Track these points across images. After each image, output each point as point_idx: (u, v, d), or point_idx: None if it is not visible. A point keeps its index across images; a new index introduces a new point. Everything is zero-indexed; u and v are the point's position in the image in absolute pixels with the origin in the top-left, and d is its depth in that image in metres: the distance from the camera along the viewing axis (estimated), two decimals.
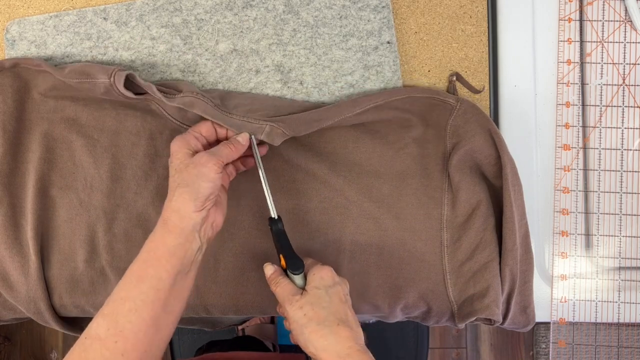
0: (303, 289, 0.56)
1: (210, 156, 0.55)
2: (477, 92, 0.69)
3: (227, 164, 0.61)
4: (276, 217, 0.60)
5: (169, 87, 0.64)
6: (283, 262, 0.58)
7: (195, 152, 0.57)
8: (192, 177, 0.54)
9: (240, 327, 1.19)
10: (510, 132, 0.70)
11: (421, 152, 0.66)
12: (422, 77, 0.69)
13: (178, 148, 0.57)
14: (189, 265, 0.54)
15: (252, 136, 0.61)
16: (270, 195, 0.60)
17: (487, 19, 0.69)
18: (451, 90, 0.68)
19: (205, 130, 0.60)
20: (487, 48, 0.69)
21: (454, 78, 0.68)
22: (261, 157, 0.61)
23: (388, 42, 0.66)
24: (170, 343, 1.11)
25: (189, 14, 0.66)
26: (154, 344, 0.51)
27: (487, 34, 0.69)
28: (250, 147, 0.61)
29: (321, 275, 0.56)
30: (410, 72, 0.69)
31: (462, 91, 0.69)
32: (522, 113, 0.70)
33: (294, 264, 0.57)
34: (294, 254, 0.58)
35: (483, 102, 0.69)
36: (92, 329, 0.50)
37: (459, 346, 1.57)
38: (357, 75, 0.67)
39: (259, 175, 0.60)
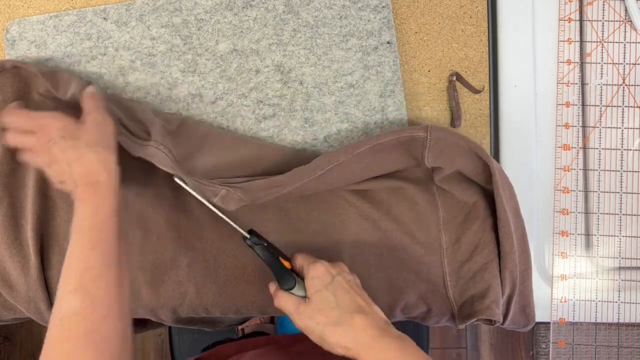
0: (305, 296, 0.56)
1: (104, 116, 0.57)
2: (477, 92, 0.69)
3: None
4: (247, 235, 0.58)
5: (141, 122, 0.63)
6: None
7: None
8: (104, 134, 0.56)
9: (240, 327, 1.19)
10: (510, 132, 0.70)
11: (409, 171, 0.66)
12: (422, 77, 0.69)
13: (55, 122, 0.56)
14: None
15: (178, 178, 0.60)
16: (227, 219, 0.59)
17: (487, 19, 0.69)
18: (451, 90, 0.68)
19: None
20: (487, 48, 0.69)
21: (454, 78, 0.68)
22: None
23: (388, 42, 0.66)
24: (170, 343, 1.11)
25: (189, 14, 0.66)
26: (124, 303, 0.52)
27: (487, 34, 0.69)
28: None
29: (317, 275, 0.55)
30: (410, 72, 0.69)
31: (462, 91, 0.69)
32: (522, 113, 0.70)
33: (283, 281, 0.56)
34: (280, 269, 0.57)
35: (483, 102, 0.69)
36: (63, 308, 0.50)
37: (459, 346, 1.57)
38: (357, 75, 0.67)
39: (207, 205, 0.59)
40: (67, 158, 0.54)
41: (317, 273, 0.55)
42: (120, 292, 0.51)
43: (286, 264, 0.58)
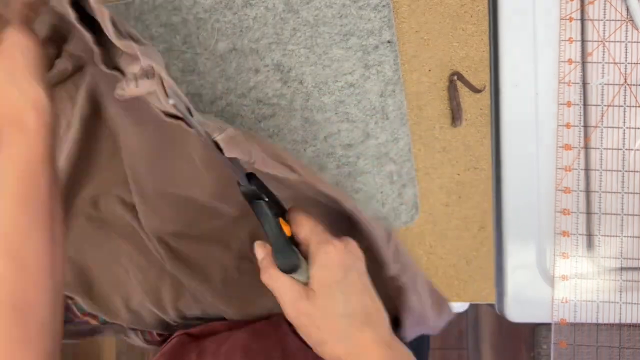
0: (307, 282, 0.44)
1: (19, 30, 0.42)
2: (477, 91, 0.68)
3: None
4: (241, 183, 0.43)
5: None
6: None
7: None
8: (21, 56, 0.42)
9: None
10: (511, 132, 0.69)
11: None
12: (423, 76, 0.69)
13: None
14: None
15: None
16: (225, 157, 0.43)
17: (488, 18, 0.68)
18: (452, 89, 0.68)
19: None
20: (488, 47, 0.69)
21: (455, 77, 0.68)
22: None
23: (388, 41, 0.66)
24: None
25: (188, 13, 0.66)
26: (56, 270, 0.44)
27: (488, 33, 0.69)
28: None
29: (328, 264, 0.43)
30: (410, 72, 0.68)
31: (463, 90, 0.68)
32: (523, 113, 0.69)
33: (283, 260, 0.43)
34: (282, 241, 0.43)
35: (484, 101, 0.69)
36: None
37: (460, 347, 1.57)
38: (358, 74, 0.66)
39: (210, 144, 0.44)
40: None
41: (329, 261, 0.43)
42: (53, 258, 0.43)
43: (286, 229, 0.44)
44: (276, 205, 0.45)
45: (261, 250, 0.46)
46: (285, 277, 0.44)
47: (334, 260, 0.43)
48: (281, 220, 0.44)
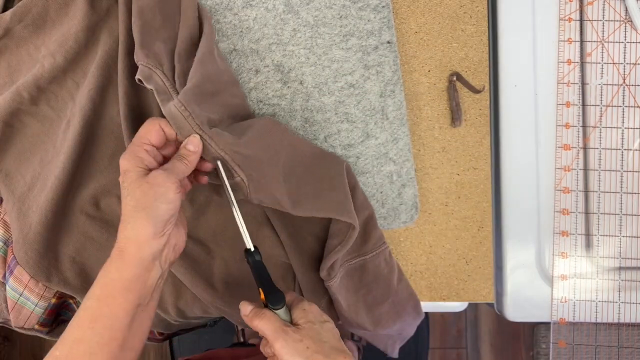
0: (290, 322, 0.53)
1: (167, 175, 0.50)
2: (477, 92, 0.69)
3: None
4: (252, 249, 0.55)
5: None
6: (263, 296, 0.54)
7: (149, 169, 0.51)
8: (148, 200, 0.49)
9: (240, 327, 1.19)
10: (511, 132, 0.69)
11: None
12: (422, 77, 0.69)
13: (130, 166, 0.50)
14: (149, 295, 0.50)
15: (219, 162, 0.55)
16: (243, 225, 0.55)
17: (487, 18, 0.69)
18: (451, 90, 0.68)
19: (155, 138, 0.53)
20: (487, 48, 0.69)
21: (454, 78, 0.68)
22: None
23: (388, 42, 0.66)
24: (170, 343, 1.11)
25: None
26: None
27: (487, 33, 0.69)
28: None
29: (311, 310, 0.53)
30: (410, 72, 0.69)
31: (463, 91, 0.69)
32: (523, 113, 0.70)
33: (274, 298, 0.53)
34: (274, 287, 0.53)
35: (483, 102, 0.69)
36: None
37: (459, 346, 1.57)
38: (357, 75, 0.66)
39: (230, 204, 0.55)
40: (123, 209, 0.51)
41: (312, 308, 0.54)
42: None
43: None
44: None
45: (247, 306, 0.54)
46: (273, 313, 0.52)
47: (315, 308, 0.54)
48: None
